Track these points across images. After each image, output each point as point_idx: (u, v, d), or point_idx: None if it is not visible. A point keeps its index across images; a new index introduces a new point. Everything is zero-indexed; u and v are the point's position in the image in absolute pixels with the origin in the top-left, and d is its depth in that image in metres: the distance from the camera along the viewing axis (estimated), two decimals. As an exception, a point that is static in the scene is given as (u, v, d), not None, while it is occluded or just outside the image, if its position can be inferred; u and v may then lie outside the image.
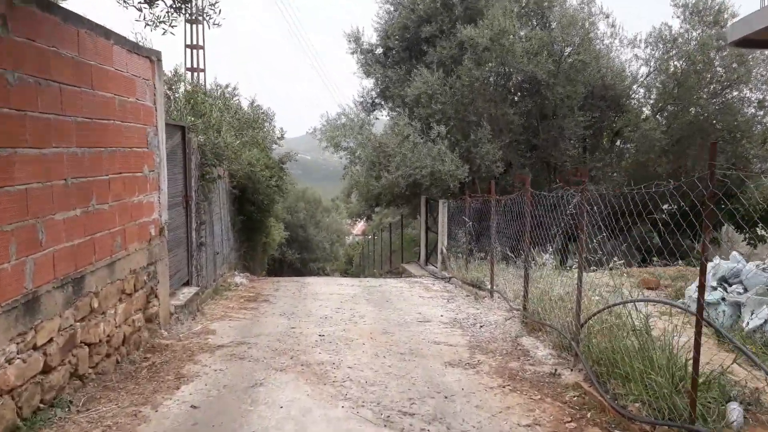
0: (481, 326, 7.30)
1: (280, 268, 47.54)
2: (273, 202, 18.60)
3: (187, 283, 8.29)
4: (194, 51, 27.83)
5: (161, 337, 6.57)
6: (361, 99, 16.25)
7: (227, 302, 9.33)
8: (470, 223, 10.98)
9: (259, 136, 12.95)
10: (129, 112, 5.83)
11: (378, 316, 8.10)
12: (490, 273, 9.53)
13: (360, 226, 65.39)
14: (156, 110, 6.62)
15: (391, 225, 19.80)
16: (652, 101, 17.11)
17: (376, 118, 15.59)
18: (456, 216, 12.97)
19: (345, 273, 60.47)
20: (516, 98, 14.67)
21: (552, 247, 8.45)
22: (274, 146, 19.03)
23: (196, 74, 29.16)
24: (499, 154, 13.46)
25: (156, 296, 6.59)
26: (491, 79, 14.13)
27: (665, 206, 16.17)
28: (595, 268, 6.63)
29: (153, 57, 6.52)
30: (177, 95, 10.19)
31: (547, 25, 14.69)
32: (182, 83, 10.47)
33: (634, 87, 17.00)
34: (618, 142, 18.36)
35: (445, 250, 13.29)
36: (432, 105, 13.17)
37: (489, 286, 9.82)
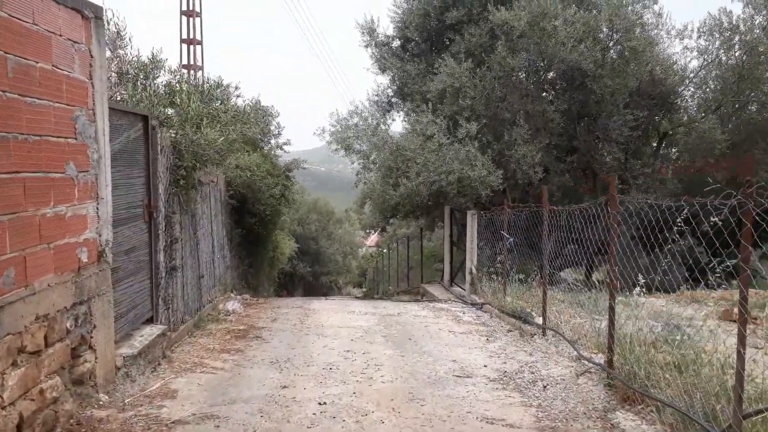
0: (545, 386, 5.28)
1: (290, 282, 45.65)
2: (278, 214, 16.75)
3: (151, 320, 6.37)
4: (191, 46, 25.71)
5: (97, 405, 4.64)
6: (376, 97, 14.37)
7: (209, 340, 7.41)
8: (510, 239, 8.97)
9: (251, 132, 11.05)
10: (39, 83, 3.95)
11: (400, 366, 6.11)
12: (542, 303, 7.51)
13: (373, 237, 63.54)
14: (93, 87, 4.74)
15: (408, 238, 17.85)
16: (705, 98, 15.01)
17: (393, 120, 13.69)
18: (488, 230, 10.96)
19: (358, 286, 58.61)
20: (553, 94, 12.68)
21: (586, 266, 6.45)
22: (280, 152, 17.22)
23: (192, 72, 27.03)
24: (538, 158, 11.47)
25: (90, 347, 4.67)
26: (527, 70, 12.18)
27: (713, 219, 13.93)
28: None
29: (88, 12, 4.65)
30: (154, 83, 8.36)
31: (590, 8, 12.71)
32: (162, 71, 8.64)
33: (686, 82, 14.91)
34: (664, 145, 16.28)
35: (474, 270, 11.28)
36: (459, 100, 11.25)
37: (539, 320, 7.79)
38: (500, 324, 8.76)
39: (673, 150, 16.96)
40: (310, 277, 43.26)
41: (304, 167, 16.40)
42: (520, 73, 12.01)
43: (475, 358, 6.56)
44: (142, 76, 8.22)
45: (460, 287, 12.47)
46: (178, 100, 7.47)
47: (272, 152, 16.14)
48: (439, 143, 10.79)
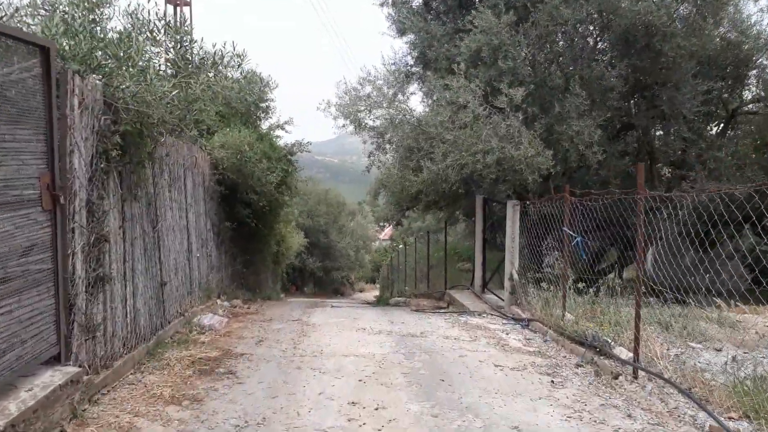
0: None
1: (300, 277, 43.60)
2: (279, 205, 14.58)
3: (57, 359, 4.22)
4: (177, 7, 21.55)
5: None
6: (393, 66, 12.06)
7: (160, 377, 5.26)
8: (578, 238, 6.70)
9: (237, 98, 8.81)
10: None
11: (435, 438, 3.91)
12: (634, 330, 5.26)
13: (387, 230, 61.27)
14: None
15: (428, 233, 15.62)
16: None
17: (412, 93, 11.36)
18: (535, 226, 8.70)
19: (371, 281, 56.46)
20: (611, 58, 10.31)
21: None
22: (281, 133, 15.02)
23: (178, 8, 22.42)
24: (597, 134, 9.15)
25: None
26: (583, 25, 9.82)
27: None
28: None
29: None
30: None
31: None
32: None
33: (765, 50, 12.44)
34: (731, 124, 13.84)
35: (515, 276, 9.03)
36: (499, 62, 8.96)
37: (623, 352, 5.55)
38: (561, 353, 6.52)
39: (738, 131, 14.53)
40: (320, 272, 41.16)
41: (308, 150, 14.19)
42: (576, 29, 9.67)
43: (545, 419, 4.33)
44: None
45: (496, 295, 10.23)
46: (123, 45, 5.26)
47: (271, 133, 13.96)
48: (474, 114, 8.52)
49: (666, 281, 6.21)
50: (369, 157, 10.85)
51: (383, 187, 24.02)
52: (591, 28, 10.06)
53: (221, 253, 11.43)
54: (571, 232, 6.76)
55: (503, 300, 9.64)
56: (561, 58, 9.57)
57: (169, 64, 5.63)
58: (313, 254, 39.74)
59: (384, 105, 9.65)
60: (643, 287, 5.67)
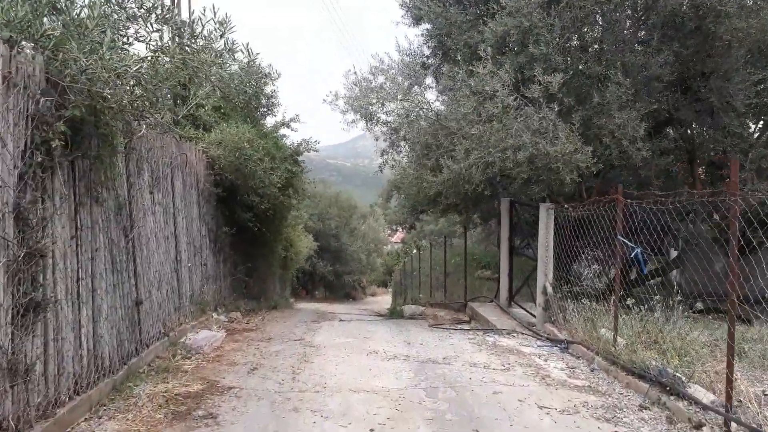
0: None
1: (310, 281, 42.59)
2: (284, 208, 13.54)
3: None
4: None
5: None
6: (408, 58, 10.90)
7: (121, 425, 4.20)
8: (637, 249, 5.55)
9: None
10: None
11: None
12: (726, 367, 4.11)
13: (399, 234, 60.11)
14: None
15: (446, 237, 14.50)
16: None
17: (429, 87, 10.26)
18: (571, 233, 7.55)
19: (383, 285, 55.30)
20: (655, 43, 9.11)
21: None
22: (286, 132, 14.00)
23: None
24: (643, 129, 7.98)
25: None
26: (622, 9, 8.64)
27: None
28: None
29: None
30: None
31: None
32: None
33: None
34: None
35: (550, 289, 7.88)
36: (529, 47, 7.82)
37: (707, 397, 4.40)
38: (616, 387, 5.37)
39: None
40: (331, 276, 40.14)
41: (316, 150, 13.15)
42: (617, 9, 8.50)
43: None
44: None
45: (525, 310, 9.09)
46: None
47: (276, 131, 12.93)
48: (503, 105, 7.38)
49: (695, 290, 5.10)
50: (382, 155, 9.77)
51: (396, 189, 22.89)
52: (633, 9, 8.88)
53: (219, 261, 10.41)
54: (627, 241, 5.61)
55: (534, 316, 8.50)
56: (599, 44, 8.43)
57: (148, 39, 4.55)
58: (323, 258, 38.76)
59: (398, 97, 8.56)
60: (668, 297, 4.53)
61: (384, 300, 42.66)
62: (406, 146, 9.29)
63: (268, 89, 11.89)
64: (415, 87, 8.78)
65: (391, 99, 8.69)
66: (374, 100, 8.74)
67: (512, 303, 9.55)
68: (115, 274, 5.27)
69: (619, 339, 6.00)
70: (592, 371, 5.96)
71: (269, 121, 14.21)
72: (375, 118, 8.89)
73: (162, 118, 5.49)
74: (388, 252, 52.43)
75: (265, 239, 13.93)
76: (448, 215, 12.65)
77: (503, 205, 9.38)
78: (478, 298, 10.90)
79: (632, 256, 5.71)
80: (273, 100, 13.09)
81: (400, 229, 24.51)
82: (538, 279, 8.13)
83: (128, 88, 4.19)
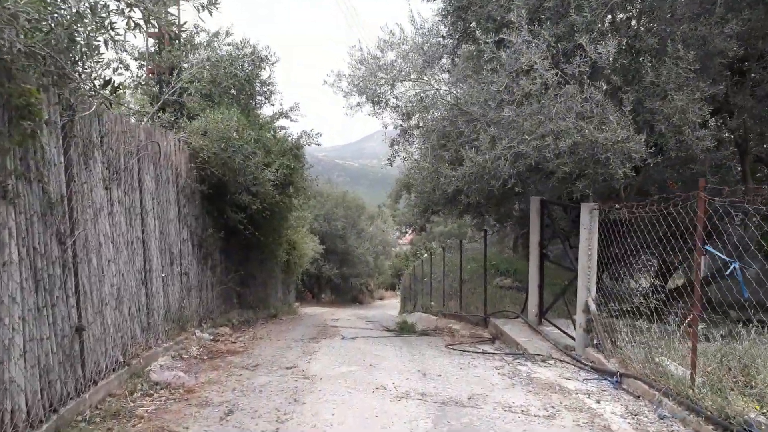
0: None
1: (316, 284, 41.30)
2: (283, 207, 12.25)
3: None
4: None
5: None
6: (420, 38, 9.46)
7: None
8: (734, 263, 4.19)
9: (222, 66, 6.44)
10: None
11: None
12: None
13: (408, 236, 58.63)
14: None
15: (461, 241, 13.15)
16: None
17: (445, 69, 8.88)
18: (617, 238, 6.20)
19: (390, 288, 53.90)
20: (720, 11, 7.71)
21: None
22: (286, 123, 12.71)
23: None
24: (707, 113, 6.60)
25: None
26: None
27: None
28: None
29: None
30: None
31: None
32: None
33: None
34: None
35: (593, 307, 6.53)
36: (571, 14, 6.47)
37: None
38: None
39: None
40: (337, 279, 38.81)
41: (318, 143, 11.85)
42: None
43: None
44: None
45: (558, 329, 7.73)
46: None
47: (273, 123, 11.65)
48: (542, 82, 6.02)
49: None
50: (391, 146, 8.43)
51: (406, 188, 21.50)
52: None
53: (205, 268, 9.13)
54: (720, 254, 4.25)
55: (571, 337, 7.15)
56: (652, 11, 7.06)
57: None
58: (329, 261, 37.47)
59: (411, 77, 7.25)
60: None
61: (392, 304, 41.25)
62: (420, 135, 7.97)
63: (264, 74, 10.59)
64: (433, 64, 7.43)
65: (402, 79, 7.37)
66: (383, 80, 7.42)
67: (543, 320, 8.20)
68: (40, 294, 3.99)
69: (699, 379, 4.64)
70: (661, 419, 4.61)
71: (267, 112, 12.96)
72: (383, 101, 7.57)
73: (73, 66, 4.14)
74: (396, 254, 51.06)
75: (263, 242, 12.66)
76: (466, 217, 11.30)
77: (532, 206, 8.03)
78: (501, 312, 9.54)
79: (727, 273, 4.35)
80: (270, 87, 11.80)
81: (410, 231, 23.15)
82: (579, 294, 6.77)
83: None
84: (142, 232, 6.26)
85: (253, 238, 11.18)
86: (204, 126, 8.17)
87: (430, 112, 7.33)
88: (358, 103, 7.58)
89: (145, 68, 10.92)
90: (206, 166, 8.41)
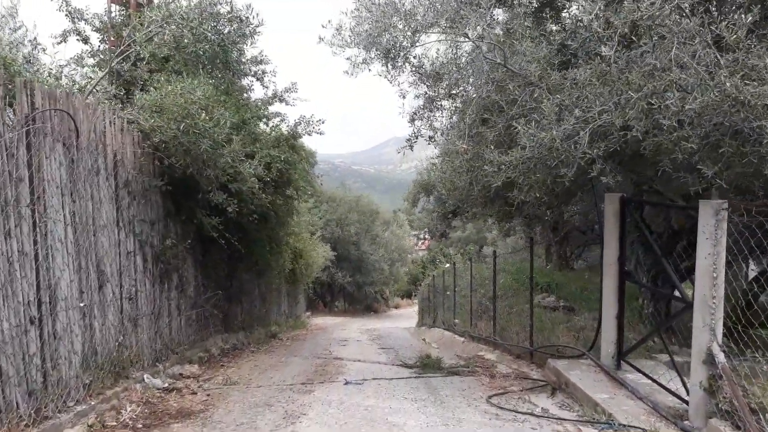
0: None
1: (328, 292, 39.12)
2: (278, 209, 10.12)
3: None
4: None
5: None
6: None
7: None
8: None
9: None
10: None
11: None
12: None
13: (426, 241, 56.24)
14: None
15: (495, 253, 10.86)
16: None
17: (491, 27, 6.54)
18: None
19: (407, 296, 51.49)
20: None
21: None
22: (281, 108, 10.58)
23: None
24: None
25: None
26: None
27: None
28: None
29: None
30: None
31: None
32: None
33: None
34: None
35: (721, 356, 4.25)
36: None
37: None
38: None
39: None
40: (351, 287, 36.55)
41: (320, 132, 9.71)
42: None
43: None
44: None
45: (647, 376, 5.44)
46: None
47: (265, 107, 9.53)
48: (658, 8, 3.79)
49: None
50: (411, 121, 6.20)
51: (423, 190, 19.25)
52: None
53: (167, 288, 6.99)
54: None
55: (676, 395, 4.87)
56: None
57: None
58: (342, 268, 35.26)
59: (441, 23, 5.06)
60: None
61: (408, 314, 38.87)
62: (453, 107, 5.77)
63: (253, 49, 8.44)
64: (470, 8, 5.22)
65: (428, 29, 5.17)
66: (401, 31, 5.24)
67: (622, 361, 5.92)
68: None
69: None
70: None
71: (258, 94, 10.81)
72: (400, 56, 5.39)
73: None
74: (412, 260, 48.68)
75: (255, 252, 10.54)
76: (511, 221, 9.04)
77: (609, 206, 5.77)
78: (556, 346, 7.24)
79: None
80: (262, 66, 9.67)
81: (428, 238, 20.90)
82: (695, 336, 4.49)
83: None
84: (34, 244, 4.13)
85: (243, 247, 9.07)
86: (159, 100, 6.04)
87: (468, 73, 5.13)
88: (365, 59, 5.43)
89: (107, 40, 8.89)
90: (156, 152, 6.28)
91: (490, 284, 12.97)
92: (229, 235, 8.06)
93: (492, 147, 5.08)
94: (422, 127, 6.07)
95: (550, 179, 5.05)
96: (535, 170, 4.85)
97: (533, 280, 8.31)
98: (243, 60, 8.59)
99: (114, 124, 5.64)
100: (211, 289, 8.81)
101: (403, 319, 31.56)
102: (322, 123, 9.66)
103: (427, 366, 7.64)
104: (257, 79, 9.69)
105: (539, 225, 17.55)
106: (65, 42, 8.67)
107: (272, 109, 9.86)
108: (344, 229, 34.37)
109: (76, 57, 8.49)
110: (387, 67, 5.54)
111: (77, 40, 8.77)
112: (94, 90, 7.01)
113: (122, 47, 6.93)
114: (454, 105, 5.57)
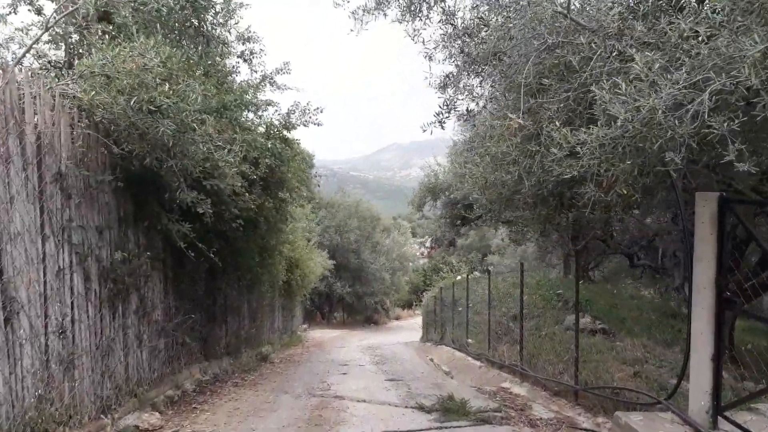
0: None
1: (327, 303, 37.53)
2: (267, 215, 8.68)
3: None
4: None
5: None
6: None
7: None
8: None
9: None
10: None
11: None
12: None
13: (431, 249, 54.53)
14: None
15: (522, 265, 9.38)
16: None
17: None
18: None
19: (408, 306, 49.78)
20: None
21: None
22: (272, 96, 9.10)
23: None
24: None
25: None
26: None
27: None
28: None
29: None
30: None
31: None
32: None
33: None
34: None
35: None
36: None
37: None
38: None
39: None
40: (351, 298, 34.94)
41: (318, 123, 8.24)
42: None
43: None
44: None
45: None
46: None
47: (251, 91, 8.05)
48: None
49: None
50: (442, 88, 4.71)
51: (430, 193, 17.77)
52: None
53: (121, 314, 5.48)
54: None
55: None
56: None
57: None
58: (341, 277, 33.68)
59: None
60: None
61: (410, 325, 37.22)
62: (497, 72, 4.29)
63: (242, 27, 6.99)
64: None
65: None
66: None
67: (719, 417, 4.44)
68: None
69: None
70: None
71: (244, 76, 9.39)
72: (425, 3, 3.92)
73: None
74: (414, 269, 47.02)
75: (244, 263, 9.07)
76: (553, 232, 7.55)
77: (703, 208, 4.30)
78: (616, 391, 5.70)
79: None
80: (250, 45, 8.22)
81: (434, 246, 19.36)
82: None
83: None
84: None
85: (227, 258, 7.61)
86: (103, 66, 4.56)
87: (521, 23, 3.68)
88: (379, 3, 3.98)
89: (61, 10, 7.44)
90: (113, 141, 4.80)
91: (510, 300, 11.48)
92: (208, 245, 6.57)
93: (558, 123, 3.60)
94: (456, 96, 4.59)
95: (637, 169, 3.57)
96: (624, 155, 3.37)
97: (577, 300, 6.78)
98: (225, 35, 7.13)
99: (40, 97, 4.17)
100: (186, 310, 7.31)
101: (404, 332, 29.97)
102: (320, 112, 8.21)
103: (449, 411, 6.11)
104: (244, 61, 8.26)
105: (556, 231, 16.10)
106: (15, 13, 7.30)
107: (262, 97, 8.41)
108: (343, 236, 32.85)
109: (24, 28, 7.08)
110: (410, 14, 4.09)
111: (29, 10, 7.39)
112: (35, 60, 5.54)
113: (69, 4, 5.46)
114: (498, 69, 4.14)
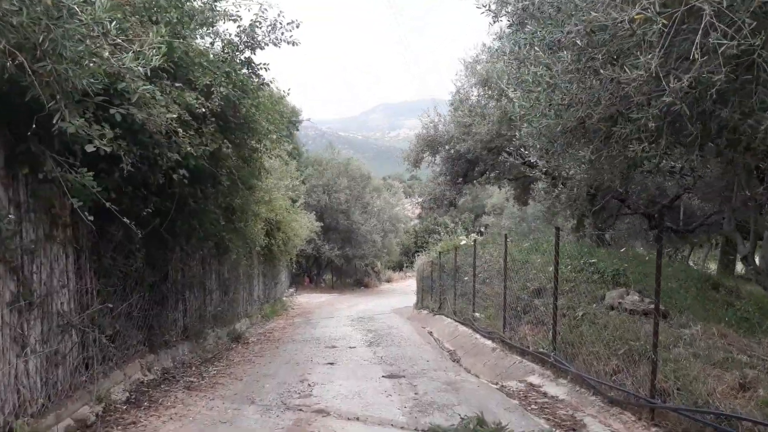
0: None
1: (315, 267, 35.71)
2: (227, 169, 6.69)
3: None
4: None
5: None
6: None
7: None
8: None
9: None
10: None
11: None
12: None
13: (408, 205, 52.77)
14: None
15: (558, 230, 7.41)
16: None
17: None
18: None
19: (398, 268, 48.25)
20: None
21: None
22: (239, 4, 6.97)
23: None
24: None
25: None
26: None
27: None
28: None
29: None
30: None
31: None
32: None
33: None
34: None
35: None
36: None
37: None
38: None
39: None
40: (340, 261, 33.15)
41: (293, 42, 6.16)
42: None
43: None
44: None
45: None
46: None
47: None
48: None
49: None
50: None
51: (429, 147, 15.76)
52: None
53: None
54: None
55: None
56: None
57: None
58: (330, 240, 31.80)
59: None
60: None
61: (401, 289, 35.68)
62: None
63: None
64: None
65: None
66: None
67: None
68: None
69: None
70: None
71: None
72: None
73: None
74: (405, 230, 45.19)
75: (204, 227, 7.11)
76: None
77: None
78: (739, 425, 3.92)
79: None
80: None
81: (432, 207, 17.46)
82: None
83: None
84: None
85: (176, 222, 5.68)
86: None
87: None
88: None
89: None
90: None
91: (529, 270, 9.66)
92: (138, 204, 4.61)
93: None
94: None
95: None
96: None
97: (658, 284, 4.91)
98: None
99: None
100: (116, 292, 5.39)
101: (397, 296, 28.40)
102: (296, 27, 6.11)
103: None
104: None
105: (566, 191, 14.26)
106: None
107: (220, 7, 6.25)
108: (332, 196, 30.83)
109: None
110: None
111: None
112: None
113: None
114: None
